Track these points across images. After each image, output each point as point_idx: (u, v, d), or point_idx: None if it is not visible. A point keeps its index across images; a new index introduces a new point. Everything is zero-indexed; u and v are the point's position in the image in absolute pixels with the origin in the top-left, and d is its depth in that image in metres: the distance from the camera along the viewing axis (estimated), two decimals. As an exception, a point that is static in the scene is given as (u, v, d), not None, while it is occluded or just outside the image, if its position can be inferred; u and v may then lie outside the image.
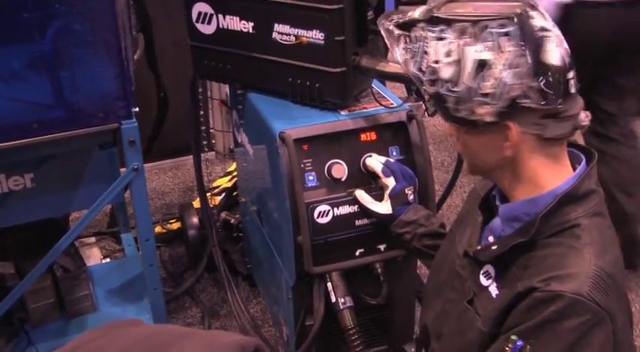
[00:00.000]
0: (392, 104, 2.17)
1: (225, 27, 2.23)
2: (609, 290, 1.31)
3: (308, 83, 2.14)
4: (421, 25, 1.45)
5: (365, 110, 2.16)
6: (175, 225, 3.48)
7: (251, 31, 2.18)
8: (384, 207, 2.02)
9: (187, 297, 3.13)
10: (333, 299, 2.10)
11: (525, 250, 1.41)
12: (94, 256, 3.20)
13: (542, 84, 1.33)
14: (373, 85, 2.24)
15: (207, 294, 3.16)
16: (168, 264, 3.31)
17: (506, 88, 1.33)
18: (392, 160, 2.07)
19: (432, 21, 1.43)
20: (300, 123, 2.09)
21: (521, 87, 1.33)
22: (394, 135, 2.14)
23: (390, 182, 2.01)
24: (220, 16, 2.23)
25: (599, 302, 1.29)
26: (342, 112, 2.14)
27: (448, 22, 1.40)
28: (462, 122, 1.42)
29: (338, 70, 2.08)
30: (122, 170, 2.46)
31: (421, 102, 2.25)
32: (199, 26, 2.30)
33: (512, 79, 1.33)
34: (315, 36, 2.05)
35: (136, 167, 2.20)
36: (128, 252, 3.11)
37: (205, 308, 3.06)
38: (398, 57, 1.52)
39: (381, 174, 2.03)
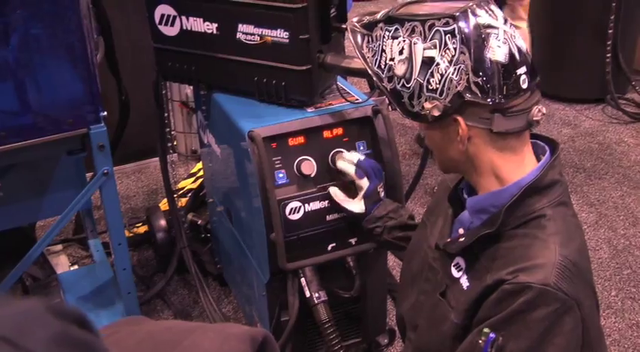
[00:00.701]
0: (357, 99, 2.20)
1: (189, 28, 2.24)
2: (575, 279, 1.36)
3: (274, 82, 2.16)
4: (380, 25, 1.55)
5: (331, 106, 2.18)
6: (142, 229, 3.46)
7: (215, 32, 2.19)
8: (357, 206, 2.02)
9: (159, 300, 3.12)
10: (308, 294, 2.12)
11: (493, 241, 1.45)
12: (62, 264, 3.18)
13: (483, 79, 1.38)
14: (337, 82, 2.27)
15: (178, 296, 3.16)
16: (137, 268, 3.30)
17: (451, 83, 1.40)
18: (362, 157, 2.06)
19: (389, 21, 1.53)
20: (267, 121, 2.10)
21: (464, 82, 1.39)
22: (361, 129, 2.17)
23: (364, 183, 2.01)
24: (184, 18, 2.23)
25: (566, 291, 1.33)
26: (309, 109, 2.16)
27: (401, 22, 1.50)
28: (417, 117, 1.49)
29: (303, 67, 2.10)
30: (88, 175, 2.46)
31: (385, 97, 2.29)
32: (162, 28, 2.30)
33: (455, 75, 1.40)
34: (280, 35, 2.07)
35: (106, 171, 2.19)
36: (97, 257, 3.10)
37: (177, 310, 3.06)
38: (361, 56, 1.61)
39: (354, 177, 2.02)
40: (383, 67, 1.53)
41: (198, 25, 2.21)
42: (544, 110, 1.45)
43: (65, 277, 2.89)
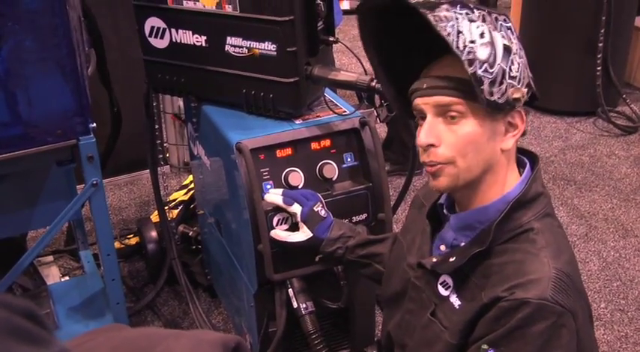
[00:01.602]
0: (344, 111, 2.21)
1: (179, 41, 2.25)
2: (570, 290, 1.36)
3: (262, 94, 2.17)
4: (445, 7, 1.38)
5: (319, 118, 2.19)
6: (133, 240, 3.48)
7: (204, 44, 2.20)
8: (302, 235, 1.99)
9: (149, 311, 3.13)
10: (295, 305, 2.13)
11: (482, 258, 1.44)
12: (52, 275, 3.18)
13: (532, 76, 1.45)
14: (325, 94, 2.29)
15: (168, 307, 3.17)
16: (127, 279, 3.31)
17: (524, 72, 1.42)
18: (288, 191, 2.05)
19: (457, 4, 1.39)
20: (255, 133, 2.12)
21: (527, 75, 1.43)
22: (348, 141, 2.18)
23: (296, 208, 1.98)
24: (173, 31, 2.25)
25: (563, 303, 1.33)
26: (297, 121, 2.18)
27: (470, 8, 1.40)
28: (493, 105, 1.38)
29: (291, 80, 2.11)
30: (79, 186, 2.47)
31: (372, 109, 2.31)
32: (152, 40, 2.31)
33: (524, 67, 1.43)
34: (268, 47, 2.09)
35: (95, 182, 2.20)
36: (87, 268, 3.10)
37: (167, 321, 3.07)
38: (446, 34, 1.38)
39: (283, 205, 2.00)
40: (462, 48, 1.36)
41: (187, 37, 2.23)
42: None
43: (55, 288, 2.89)
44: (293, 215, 2.01)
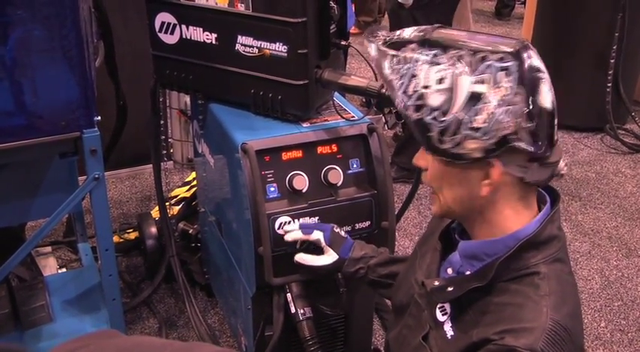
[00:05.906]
0: (353, 117, 2.19)
1: (189, 37, 2.23)
2: (564, 345, 1.30)
3: (270, 95, 2.15)
4: (412, 46, 1.37)
5: (326, 122, 2.17)
6: (133, 235, 3.45)
7: (214, 42, 2.18)
8: (329, 258, 1.97)
9: (145, 308, 3.10)
10: (293, 310, 2.10)
11: (482, 293, 1.39)
12: (49, 266, 3.15)
13: (535, 126, 1.29)
14: (334, 98, 2.26)
15: (164, 305, 3.14)
16: (125, 274, 3.28)
17: (499, 124, 1.28)
18: (304, 222, 2.05)
19: (426, 44, 1.36)
20: (261, 134, 2.09)
21: (514, 126, 1.28)
22: (355, 147, 2.16)
23: (317, 234, 1.97)
24: (184, 27, 2.23)
25: None
26: (304, 124, 2.16)
27: (444, 48, 1.33)
28: (445, 154, 1.35)
29: (300, 82, 2.09)
30: (80, 178, 2.44)
31: (381, 116, 2.29)
32: (162, 36, 2.29)
33: (505, 117, 1.27)
34: (278, 48, 2.06)
35: (97, 176, 2.17)
36: (85, 261, 3.07)
37: (163, 318, 3.04)
38: (384, 76, 1.43)
39: (305, 237, 1.99)
40: (411, 93, 1.35)
41: (197, 34, 2.21)
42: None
43: (52, 279, 2.86)
44: (316, 242, 1.98)
